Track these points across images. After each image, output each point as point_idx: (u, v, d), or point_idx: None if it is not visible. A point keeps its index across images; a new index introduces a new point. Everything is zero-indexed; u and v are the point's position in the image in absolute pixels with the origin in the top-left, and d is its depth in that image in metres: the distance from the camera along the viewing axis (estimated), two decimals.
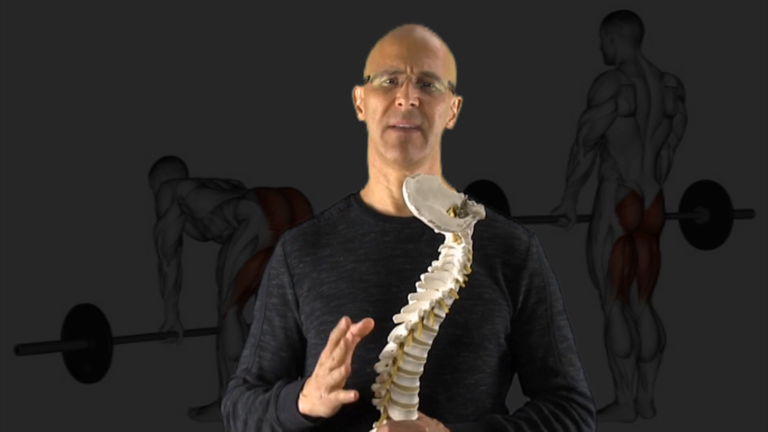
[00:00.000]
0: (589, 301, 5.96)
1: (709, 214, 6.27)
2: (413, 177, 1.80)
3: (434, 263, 1.82)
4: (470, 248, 1.79)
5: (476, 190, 6.06)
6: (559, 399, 1.99)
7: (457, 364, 1.93)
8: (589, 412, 2.01)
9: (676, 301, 6.73)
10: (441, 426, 1.87)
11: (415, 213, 1.77)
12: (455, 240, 1.79)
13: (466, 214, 1.79)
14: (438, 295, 1.78)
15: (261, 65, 7.85)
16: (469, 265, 1.79)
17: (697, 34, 7.51)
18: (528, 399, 2.03)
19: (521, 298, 1.99)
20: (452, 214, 1.78)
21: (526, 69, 7.64)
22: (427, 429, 1.84)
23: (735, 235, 6.28)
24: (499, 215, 2.05)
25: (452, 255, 1.80)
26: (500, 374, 2.00)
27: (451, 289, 1.78)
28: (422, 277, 1.81)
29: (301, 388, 1.89)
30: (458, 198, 1.80)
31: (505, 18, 7.78)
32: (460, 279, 1.78)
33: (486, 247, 1.99)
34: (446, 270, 1.80)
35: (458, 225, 1.77)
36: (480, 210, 1.80)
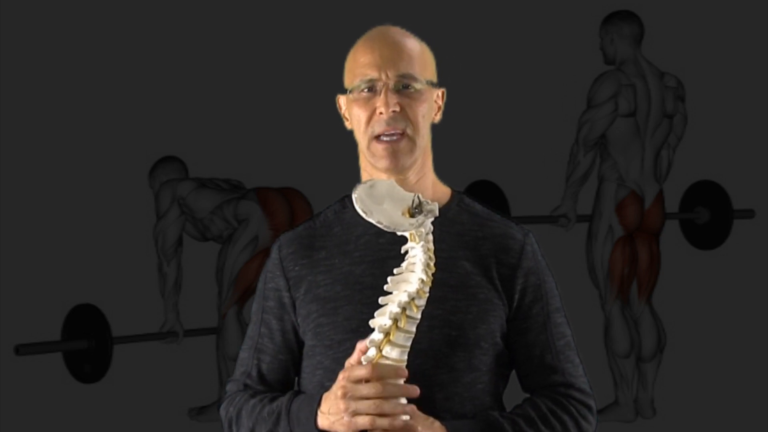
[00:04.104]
0: (589, 301, 5.96)
1: (709, 214, 6.27)
2: (365, 182, 1.83)
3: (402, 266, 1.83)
4: (431, 246, 1.80)
5: (476, 190, 6.06)
6: (557, 395, 1.99)
7: (454, 364, 1.93)
8: (588, 407, 2.01)
9: (676, 301, 6.73)
10: (437, 424, 1.87)
11: (365, 216, 1.79)
12: (413, 240, 1.80)
13: (421, 214, 1.79)
14: (405, 297, 1.79)
15: (261, 66, 7.85)
16: (432, 263, 1.80)
17: (697, 34, 7.51)
18: (526, 396, 2.03)
19: (517, 296, 1.99)
20: (408, 215, 1.79)
21: (526, 69, 7.64)
22: (419, 428, 1.84)
23: (735, 235, 6.28)
24: (494, 214, 2.05)
25: (414, 255, 1.81)
26: (497, 372, 2.00)
27: (418, 290, 1.79)
28: (389, 279, 1.82)
29: (318, 404, 1.89)
30: (412, 199, 1.80)
31: (505, 18, 7.78)
32: (425, 278, 1.79)
33: (481, 246, 1.99)
34: (411, 271, 1.81)
35: (410, 224, 1.78)
36: (434, 208, 1.80)
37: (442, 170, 2.06)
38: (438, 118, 2.04)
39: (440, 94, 2.04)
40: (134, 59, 7.73)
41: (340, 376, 1.85)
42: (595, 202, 5.84)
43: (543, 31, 7.65)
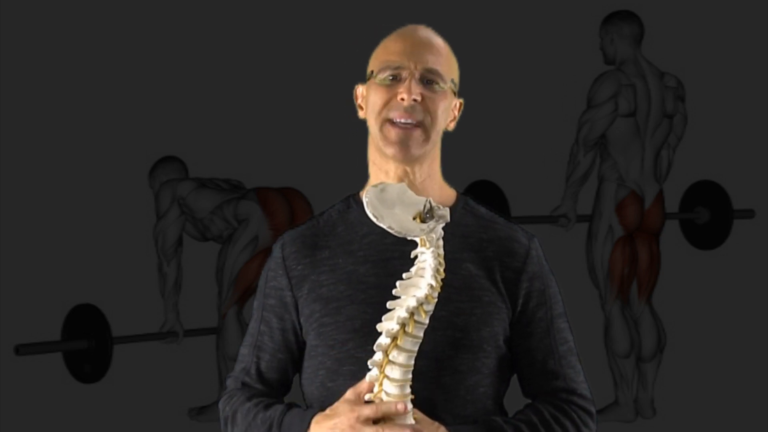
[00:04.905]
0: (589, 301, 5.96)
1: (709, 214, 6.27)
2: (375, 186, 1.81)
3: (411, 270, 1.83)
4: (441, 252, 1.79)
5: (476, 190, 6.06)
6: (558, 401, 1.99)
7: (456, 366, 1.93)
8: (589, 413, 2.01)
9: (676, 301, 6.73)
10: (442, 429, 1.87)
11: (376, 221, 1.77)
12: (423, 245, 1.79)
13: (432, 219, 1.79)
14: (413, 302, 1.78)
15: (261, 66, 7.85)
16: (441, 268, 1.79)
17: (697, 34, 7.51)
18: (528, 401, 2.03)
19: (521, 301, 1.99)
20: (418, 220, 1.78)
21: (525, 69, 7.64)
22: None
23: (735, 235, 6.28)
24: (498, 217, 2.05)
25: (424, 260, 1.80)
26: (499, 375, 1.99)
27: (427, 295, 1.78)
28: (398, 284, 1.81)
29: (308, 425, 1.89)
30: (423, 204, 1.80)
31: (505, 18, 7.78)
32: (434, 283, 1.78)
33: (485, 249, 1.99)
34: (420, 276, 1.80)
35: (421, 230, 1.77)
36: (445, 214, 1.79)
37: (442, 170, 2.06)
38: (452, 126, 2.04)
39: (458, 104, 2.05)
40: (134, 59, 7.73)
41: (344, 407, 1.84)
42: (595, 202, 5.84)
43: (543, 32, 7.65)
